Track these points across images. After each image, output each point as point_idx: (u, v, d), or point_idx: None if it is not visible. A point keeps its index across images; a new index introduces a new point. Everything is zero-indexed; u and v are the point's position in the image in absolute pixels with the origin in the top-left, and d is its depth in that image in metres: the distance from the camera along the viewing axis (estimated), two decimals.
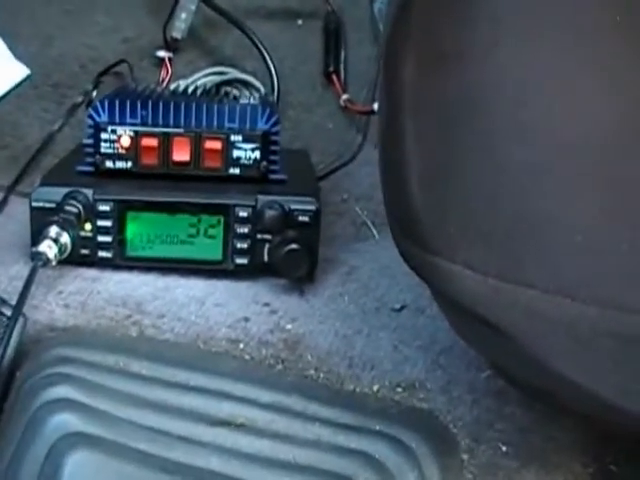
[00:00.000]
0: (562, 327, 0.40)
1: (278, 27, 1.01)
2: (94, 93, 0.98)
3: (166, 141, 0.72)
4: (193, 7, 0.95)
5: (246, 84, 0.94)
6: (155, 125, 0.72)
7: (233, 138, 0.71)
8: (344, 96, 0.93)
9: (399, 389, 0.63)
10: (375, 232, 0.81)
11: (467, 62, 0.45)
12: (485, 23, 0.45)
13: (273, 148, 0.73)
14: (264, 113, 0.72)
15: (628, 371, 0.40)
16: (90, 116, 0.72)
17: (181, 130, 0.72)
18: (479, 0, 0.45)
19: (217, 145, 0.71)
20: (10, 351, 0.63)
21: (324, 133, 0.89)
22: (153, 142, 0.72)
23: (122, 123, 0.72)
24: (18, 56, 1.00)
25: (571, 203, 0.40)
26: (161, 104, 0.72)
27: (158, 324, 0.67)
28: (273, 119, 0.72)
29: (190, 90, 0.88)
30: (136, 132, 0.72)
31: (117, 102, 0.72)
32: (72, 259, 0.70)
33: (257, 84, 0.94)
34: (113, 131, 0.72)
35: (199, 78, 0.95)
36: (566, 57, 0.42)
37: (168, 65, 0.98)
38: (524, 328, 0.41)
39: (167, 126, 0.72)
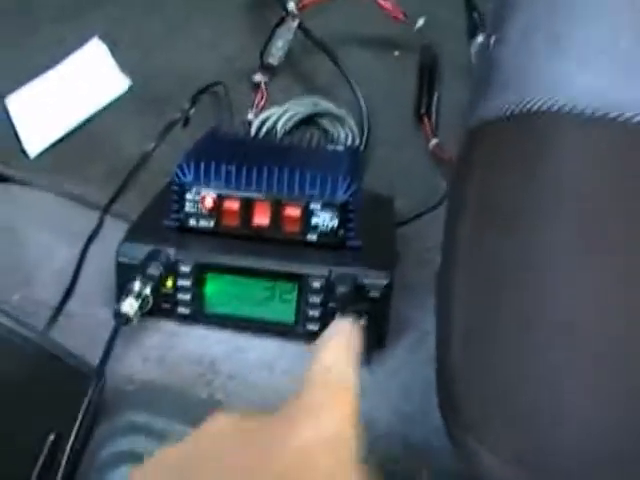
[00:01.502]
0: None
1: (373, 56, 0.99)
2: (191, 111, 0.99)
3: (247, 205, 0.73)
4: (290, 36, 0.96)
5: (338, 118, 0.94)
6: (238, 188, 0.73)
7: (312, 206, 0.73)
8: (433, 140, 0.92)
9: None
10: None
11: (524, 226, 0.44)
12: (549, 191, 0.44)
13: (350, 216, 0.74)
14: (344, 182, 0.73)
15: None
16: (176, 174, 0.74)
17: (262, 195, 0.73)
18: (544, 165, 0.44)
19: (297, 212, 0.73)
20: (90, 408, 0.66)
21: (411, 175, 0.88)
22: (235, 205, 0.73)
23: (207, 185, 0.74)
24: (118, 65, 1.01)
25: (594, 407, 0.40)
26: (244, 168, 0.73)
27: (228, 387, 0.70)
28: (352, 188, 0.73)
29: (282, 122, 0.89)
30: (219, 195, 0.73)
31: (202, 164, 0.73)
32: (153, 312, 0.73)
33: (349, 120, 0.94)
34: (197, 192, 0.74)
35: (292, 107, 0.96)
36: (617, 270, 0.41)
37: (263, 90, 0.99)
38: None
39: (249, 189, 0.73)
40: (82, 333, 0.72)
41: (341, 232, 0.73)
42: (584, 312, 0.40)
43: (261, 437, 0.38)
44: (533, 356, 0.40)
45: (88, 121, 0.97)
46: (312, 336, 0.69)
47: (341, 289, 0.70)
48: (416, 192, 0.87)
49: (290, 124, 0.93)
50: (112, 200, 0.89)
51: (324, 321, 0.72)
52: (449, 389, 0.44)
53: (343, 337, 0.46)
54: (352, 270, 0.71)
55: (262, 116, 0.95)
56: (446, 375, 0.44)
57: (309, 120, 0.96)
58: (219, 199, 0.73)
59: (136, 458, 0.62)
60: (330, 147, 0.83)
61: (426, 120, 0.93)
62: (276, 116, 0.94)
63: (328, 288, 0.71)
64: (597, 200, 0.41)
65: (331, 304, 0.71)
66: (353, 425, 0.39)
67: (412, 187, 0.88)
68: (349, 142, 0.92)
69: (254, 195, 0.73)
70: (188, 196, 0.74)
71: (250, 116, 0.96)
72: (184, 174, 0.74)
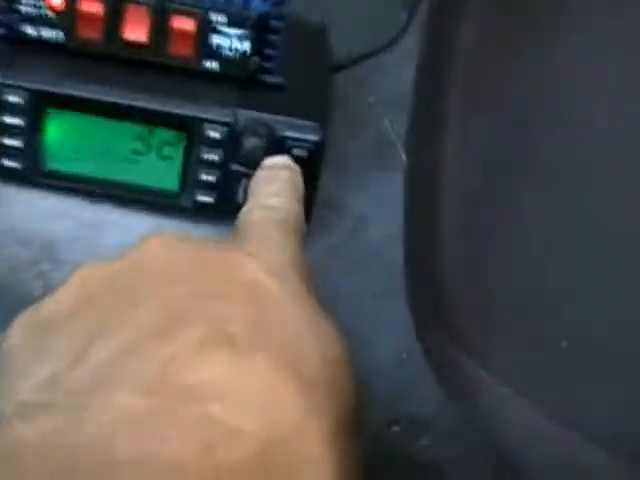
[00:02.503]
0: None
1: None
2: None
3: (115, 9, 0.49)
4: None
5: None
6: None
7: (214, 18, 0.49)
8: None
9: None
10: (405, 159, 0.58)
11: None
12: None
13: (270, 39, 0.51)
14: None
15: None
16: None
17: None
18: None
19: (189, 25, 0.49)
20: None
21: (355, 4, 0.65)
22: (97, 8, 0.49)
23: None
24: None
25: None
26: None
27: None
28: None
29: None
30: None
31: None
32: None
33: None
34: None
35: None
36: None
37: None
38: None
39: None
40: None
41: (255, 61, 0.50)
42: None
43: (216, 264, 0.34)
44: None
45: None
46: (204, 212, 0.50)
47: (250, 142, 0.48)
48: (360, 25, 0.65)
49: None
50: None
51: (223, 191, 0.50)
52: (436, 297, 0.37)
53: (285, 171, 0.45)
54: (268, 116, 0.49)
55: None
56: (429, 278, 0.37)
57: None
58: None
59: None
60: None
61: None
62: None
63: (231, 141, 0.49)
64: None
65: (234, 165, 0.49)
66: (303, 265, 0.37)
67: (355, 18, 0.65)
68: None
69: None
70: None
71: None
72: None
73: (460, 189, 0.37)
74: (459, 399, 0.37)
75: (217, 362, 0.29)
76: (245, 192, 0.48)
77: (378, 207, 0.55)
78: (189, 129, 0.49)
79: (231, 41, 0.49)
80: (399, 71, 0.61)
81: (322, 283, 0.44)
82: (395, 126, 0.58)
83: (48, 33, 0.50)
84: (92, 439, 0.27)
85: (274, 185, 0.43)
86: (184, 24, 0.49)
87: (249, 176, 0.47)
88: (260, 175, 0.45)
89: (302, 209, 0.42)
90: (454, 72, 0.37)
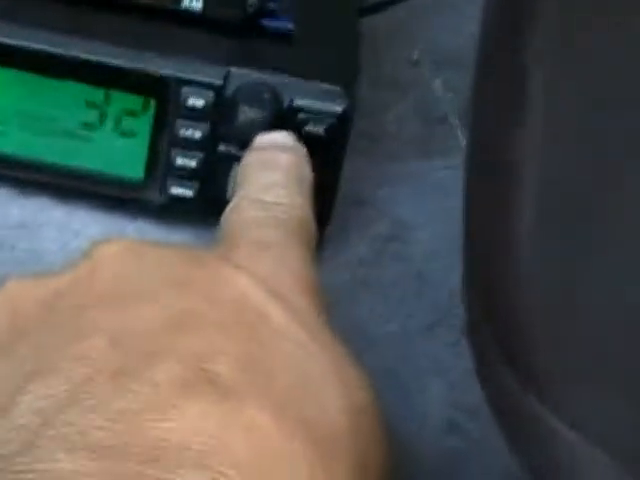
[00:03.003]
0: None
1: None
2: None
3: None
4: None
5: None
6: None
7: None
8: None
9: None
10: (463, 143, 0.49)
11: None
12: None
13: None
14: None
15: None
16: None
17: None
18: None
19: None
20: None
21: None
22: None
23: None
24: None
25: None
26: None
27: None
28: None
29: None
30: None
31: None
32: None
33: None
34: None
35: None
36: None
37: None
38: None
39: None
40: None
41: (254, 3, 0.42)
42: None
43: (192, 280, 0.31)
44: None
45: None
46: (179, 210, 0.44)
47: (246, 113, 0.41)
48: None
49: None
50: None
51: (207, 182, 0.43)
52: (506, 330, 0.32)
53: (286, 154, 0.39)
54: (272, 77, 0.41)
55: None
56: (497, 306, 0.32)
57: None
58: None
59: None
60: None
61: None
62: None
63: (220, 111, 0.41)
64: None
65: (223, 145, 0.42)
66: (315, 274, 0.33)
67: None
68: None
69: None
70: None
71: None
72: None
73: (547, 187, 0.32)
74: (530, 455, 0.33)
75: (195, 414, 0.26)
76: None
77: (423, 208, 0.46)
78: (160, 93, 0.41)
79: None
80: (455, 13, 0.52)
81: (343, 312, 0.39)
82: (449, 92, 0.49)
83: None
84: None
85: (271, 173, 0.38)
86: None
87: None
88: (251, 159, 0.39)
89: (311, 208, 0.37)
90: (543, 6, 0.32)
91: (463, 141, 0.48)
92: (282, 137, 0.40)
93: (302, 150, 0.39)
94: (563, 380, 0.31)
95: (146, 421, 0.26)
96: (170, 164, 0.42)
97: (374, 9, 0.50)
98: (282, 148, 0.40)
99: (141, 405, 0.26)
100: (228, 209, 0.36)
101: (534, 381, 0.31)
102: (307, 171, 0.39)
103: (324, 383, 0.29)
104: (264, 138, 0.40)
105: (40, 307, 0.31)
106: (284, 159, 0.39)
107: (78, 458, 0.25)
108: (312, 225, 0.37)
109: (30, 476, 0.25)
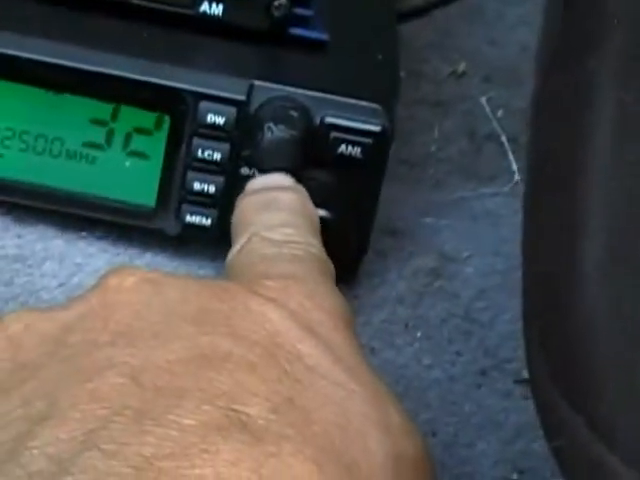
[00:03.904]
0: None
1: None
2: None
3: None
4: None
5: None
6: None
7: None
8: None
9: None
10: (515, 166, 0.46)
11: None
12: None
13: None
14: None
15: None
16: None
17: None
18: None
19: None
20: None
21: None
22: None
23: None
24: None
25: None
26: None
27: None
28: None
29: None
30: None
31: None
32: None
33: None
34: None
35: None
36: None
37: None
38: None
39: None
40: None
41: (282, 4, 0.40)
42: None
43: (218, 313, 0.30)
44: None
45: None
46: (196, 240, 0.41)
47: (273, 133, 0.38)
48: None
49: None
50: None
51: (227, 209, 0.39)
52: (572, 372, 0.29)
53: (287, 193, 0.37)
54: (302, 92, 0.39)
55: None
56: (562, 346, 0.30)
57: None
58: None
59: None
60: None
61: None
62: None
63: (243, 130, 0.39)
64: None
65: (245, 169, 0.39)
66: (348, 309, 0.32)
67: None
68: None
69: None
70: None
71: None
72: None
73: (618, 217, 0.29)
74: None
75: (228, 458, 0.25)
76: None
77: (469, 240, 0.43)
78: (175, 109, 0.39)
79: None
80: (498, 20, 0.49)
81: (383, 357, 0.38)
82: (499, 109, 0.46)
83: None
84: None
85: (276, 213, 0.36)
86: None
87: None
88: (249, 203, 0.37)
89: (323, 248, 0.36)
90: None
91: (515, 165, 0.44)
92: (280, 179, 0.38)
93: (303, 190, 0.37)
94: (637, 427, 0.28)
95: (175, 468, 0.25)
96: (186, 189, 0.39)
97: (414, 15, 0.47)
98: (281, 189, 0.38)
99: (168, 450, 0.25)
100: (234, 252, 0.35)
101: (606, 428, 0.28)
102: (313, 210, 0.37)
103: (366, 424, 0.28)
104: (258, 181, 0.38)
105: (47, 342, 0.29)
106: (286, 198, 0.37)
107: None
108: (330, 264, 0.35)
109: None
